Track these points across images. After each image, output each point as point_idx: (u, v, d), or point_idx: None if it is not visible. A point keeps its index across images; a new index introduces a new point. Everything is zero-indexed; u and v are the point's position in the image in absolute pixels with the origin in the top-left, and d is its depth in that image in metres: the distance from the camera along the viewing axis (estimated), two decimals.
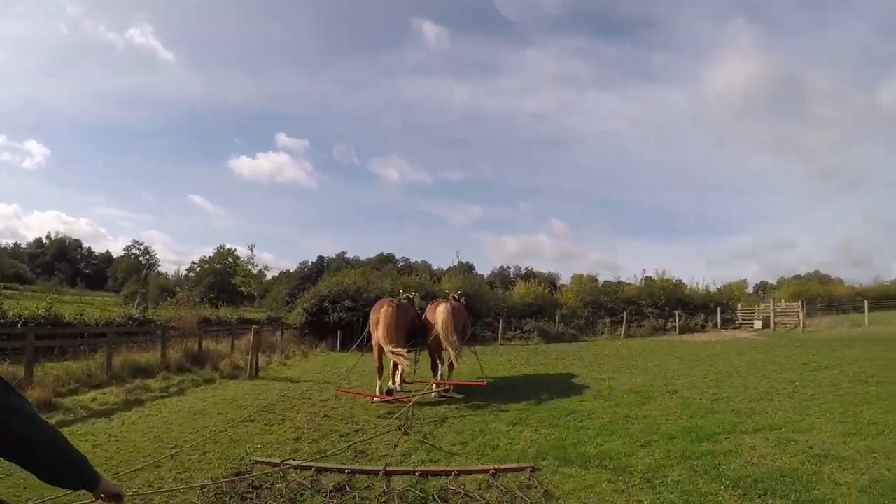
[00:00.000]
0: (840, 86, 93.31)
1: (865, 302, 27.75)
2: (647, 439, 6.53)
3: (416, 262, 26.71)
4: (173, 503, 5.07)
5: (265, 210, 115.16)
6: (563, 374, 12.73)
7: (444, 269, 31.37)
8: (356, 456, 6.56)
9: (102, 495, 1.86)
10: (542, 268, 34.07)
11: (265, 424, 8.17)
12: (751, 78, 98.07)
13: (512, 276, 35.97)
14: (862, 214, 79.33)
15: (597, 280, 35.00)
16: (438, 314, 10.70)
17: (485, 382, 10.92)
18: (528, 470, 5.85)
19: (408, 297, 12.09)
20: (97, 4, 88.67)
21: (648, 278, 32.54)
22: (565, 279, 32.95)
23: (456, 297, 12.85)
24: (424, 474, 5.73)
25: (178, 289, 33.42)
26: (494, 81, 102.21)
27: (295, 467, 5.89)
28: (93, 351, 13.05)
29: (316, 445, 7.13)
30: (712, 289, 33.56)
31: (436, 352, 10.96)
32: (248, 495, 5.18)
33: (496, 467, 5.89)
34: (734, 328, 28.23)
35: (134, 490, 5.28)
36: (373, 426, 8.10)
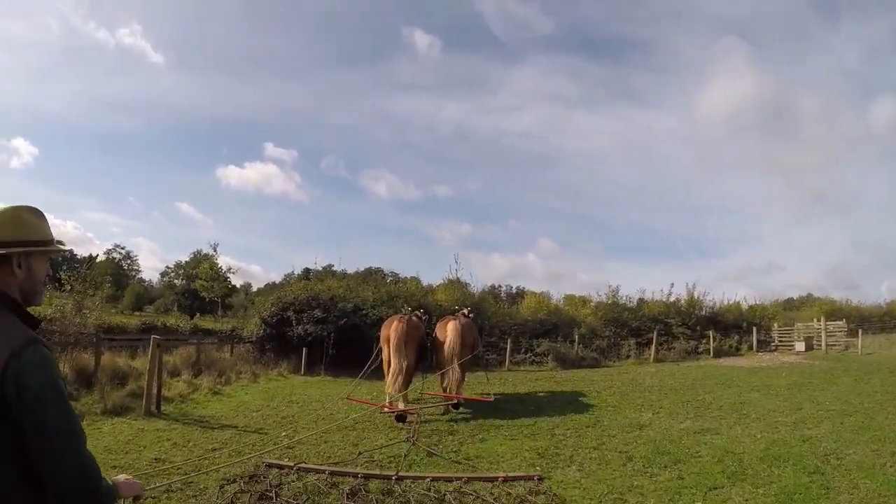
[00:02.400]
0: (829, 108, 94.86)
1: None
2: None
3: (406, 276, 28.40)
4: None
5: (252, 221, 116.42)
6: (625, 423, 9.91)
7: (436, 284, 29.27)
8: (365, 464, 6.92)
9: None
10: (533, 287, 29.51)
11: None
12: (739, 100, 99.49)
13: (504, 295, 33.46)
14: (850, 238, 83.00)
15: (617, 295, 30.32)
16: (448, 332, 11.55)
17: (492, 398, 11.43)
18: (536, 478, 6.17)
19: (417, 315, 12.94)
20: (88, 2, 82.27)
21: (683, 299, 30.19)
22: (556, 299, 32.47)
23: (466, 312, 13.33)
24: (436, 480, 6.08)
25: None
26: (484, 99, 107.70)
27: (309, 471, 6.17)
28: None
29: (326, 452, 7.61)
30: (744, 305, 31.05)
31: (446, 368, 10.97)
32: (267, 493, 5.46)
33: (505, 475, 6.27)
34: (771, 350, 26.91)
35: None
36: (380, 438, 8.52)
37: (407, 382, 10.67)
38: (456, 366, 10.94)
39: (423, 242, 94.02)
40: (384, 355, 11.01)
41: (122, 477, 1.91)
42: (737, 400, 11.59)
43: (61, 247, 1.98)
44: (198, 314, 53.30)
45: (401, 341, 10.76)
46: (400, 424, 9.34)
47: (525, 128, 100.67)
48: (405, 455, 7.15)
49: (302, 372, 18.58)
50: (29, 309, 1.84)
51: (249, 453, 7.16)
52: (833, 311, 31.42)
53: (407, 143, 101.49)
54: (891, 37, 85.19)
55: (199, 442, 8.13)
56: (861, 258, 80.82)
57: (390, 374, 10.62)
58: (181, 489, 5.59)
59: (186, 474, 6.00)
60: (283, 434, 8.37)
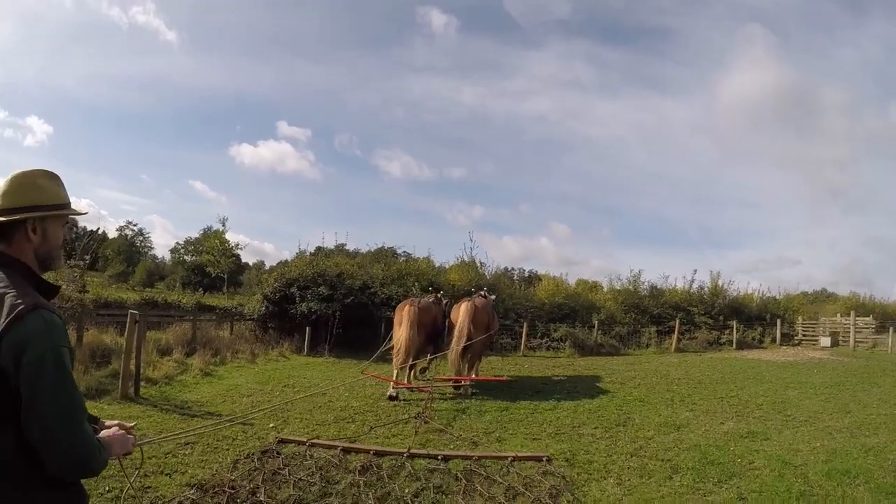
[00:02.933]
0: (852, 103, 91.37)
1: None
2: None
3: (418, 256, 27.60)
4: (204, 477, 5.38)
5: (266, 199, 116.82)
6: (660, 423, 9.01)
7: (449, 264, 27.24)
8: (377, 440, 7.07)
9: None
10: (546, 271, 33.40)
11: None
12: (759, 91, 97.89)
13: (516, 278, 33.12)
14: (866, 235, 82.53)
15: (639, 281, 29.16)
16: (460, 314, 11.63)
17: (506, 378, 11.89)
18: (545, 459, 6.30)
19: (436, 297, 13.29)
20: None
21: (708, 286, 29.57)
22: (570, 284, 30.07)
23: (485, 293, 13.75)
24: (446, 458, 6.22)
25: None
26: (500, 83, 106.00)
27: (321, 446, 6.35)
28: None
29: (339, 430, 7.69)
30: (768, 296, 30.78)
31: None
32: (280, 471, 5.58)
33: (515, 454, 6.40)
34: (794, 345, 26.43)
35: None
36: (392, 415, 8.73)
37: (408, 359, 10.97)
38: (458, 348, 11.12)
39: (436, 223, 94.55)
40: (395, 338, 11.22)
41: (112, 430, 1.92)
42: (776, 398, 11.02)
43: (77, 210, 1.99)
44: (203, 291, 52.39)
45: (412, 324, 11.05)
46: (399, 403, 9.90)
47: (541, 112, 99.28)
48: (416, 432, 7.38)
49: (305, 352, 17.88)
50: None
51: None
52: (857, 308, 30.57)
53: (421, 124, 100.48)
54: None
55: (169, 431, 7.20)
56: (875, 256, 77.44)
57: (395, 353, 11.02)
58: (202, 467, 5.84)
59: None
60: (272, 426, 7.84)
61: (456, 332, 11.24)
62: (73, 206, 1.94)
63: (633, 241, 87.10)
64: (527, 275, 26.29)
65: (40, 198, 1.81)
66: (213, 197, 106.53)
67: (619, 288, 27.23)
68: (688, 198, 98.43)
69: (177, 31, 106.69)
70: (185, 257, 68.17)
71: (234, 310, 22.76)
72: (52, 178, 1.90)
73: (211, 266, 40.86)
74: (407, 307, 11.33)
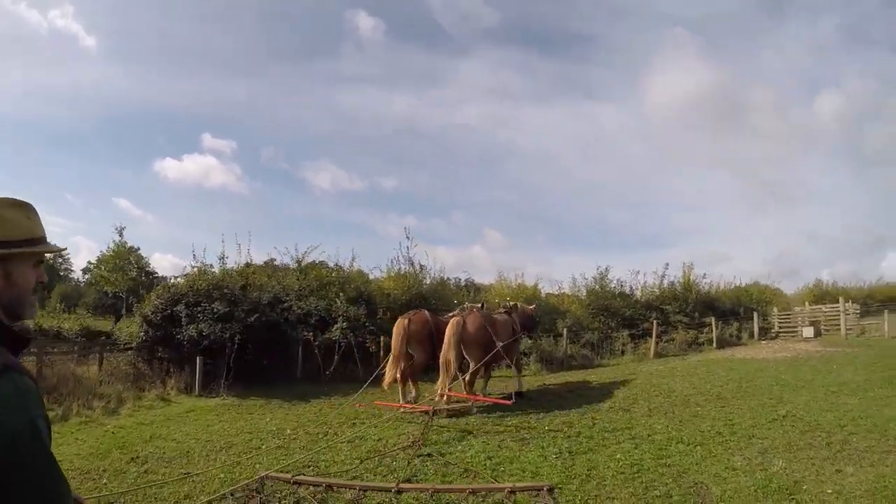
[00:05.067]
0: (777, 101, 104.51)
1: None
2: None
3: (350, 268, 22.50)
4: None
5: (194, 216, 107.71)
6: (757, 487, 6.63)
7: (383, 269, 22.89)
8: (367, 473, 6.99)
9: None
10: (482, 280, 31.97)
11: None
12: (688, 94, 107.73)
13: (453, 287, 27.73)
14: (793, 227, 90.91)
15: (606, 279, 26.41)
16: (448, 329, 11.87)
17: (511, 401, 11.40)
18: (546, 489, 6.21)
19: (475, 308, 13.20)
20: None
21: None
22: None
23: (511, 303, 14.64)
24: (437, 492, 6.25)
25: None
26: (430, 92, 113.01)
27: (305, 483, 6.28)
28: None
29: (329, 460, 7.68)
30: (750, 289, 29.82)
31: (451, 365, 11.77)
32: None
33: (513, 486, 6.33)
34: (772, 338, 25.58)
35: None
36: (387, 444, 8.65)
37: (402, 377, 12.02)
38: (449, 367, 11.37)
39: (368, 235, 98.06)
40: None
41: None
42: (845, 412, 9.66)
43: (51, 246, 1.73)
44: (116, 317, 46.35)
45: (401, 340, 11.96)
46: (408, 431, 9.68)
47: (472, 121, 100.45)
48: (408, 463, 7.32)
49: (196, 391, 14.81)
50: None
51: None
52: (822, 295, 32.26)
53: (351, 135, 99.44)
54: (835, 35, 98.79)
55: None
56: (802, 247, 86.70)
57: (387, 370, 12.01)
58: None
59: None
60: None
61: (443, 350, 11.65)
62: (47, 241, 1.68)
63: (568, 247, 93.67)
64: (463, 283, 22.52)
65: (3, 232, 1.56)
66: (139, 215, 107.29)
67: (584, 288, 25.88)
68: (621, 201, 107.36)
69: (96, 37, 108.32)
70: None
71: (105, 338, 17.67)
72: (21, 207, 1.64)
73: (106, 284, 35.19)
74: (399, 320, 12.35)
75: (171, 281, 19.71)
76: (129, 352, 16.79)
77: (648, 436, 8.98)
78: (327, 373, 16.91)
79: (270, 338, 16.94)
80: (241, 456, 8.42)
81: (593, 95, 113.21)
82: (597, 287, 25.77)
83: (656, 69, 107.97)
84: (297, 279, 19.72)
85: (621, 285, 26.41)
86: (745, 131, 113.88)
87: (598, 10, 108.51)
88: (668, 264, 26.96)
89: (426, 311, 13.47)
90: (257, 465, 7.79)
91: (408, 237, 22.80)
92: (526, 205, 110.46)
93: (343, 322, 17.89)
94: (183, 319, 16.09)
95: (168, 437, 9.94)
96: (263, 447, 8.96)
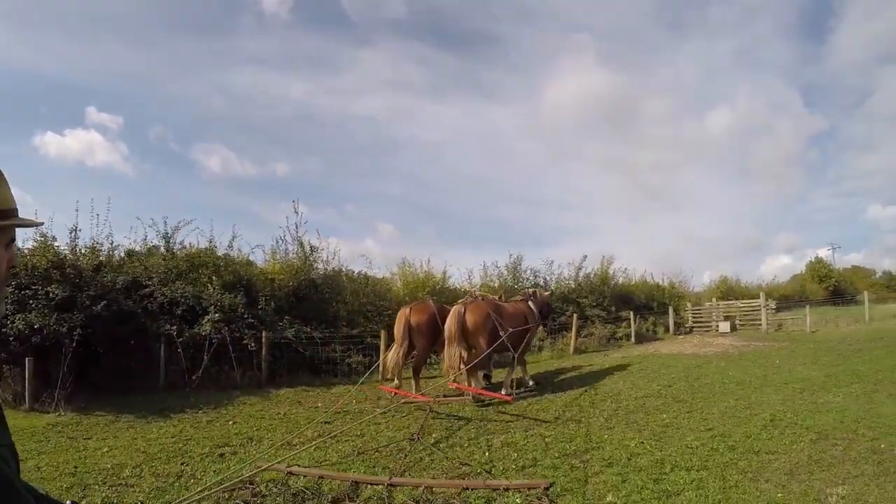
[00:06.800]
0: (671, 113, 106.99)
1: (866, 293, 30.18)
2: None
3: (229, 249, 17.90)
4: None
5: (78, 198, 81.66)
6: None
7: (267, 252, 19.03)
8: (364, 465, 6.72)
9: None
10: (378, 273, 24.17)
11: None
12: (586, 98, 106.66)
13: (344, 279, 21.19)
14: (677, 231, 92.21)
15: (520, 269, 24.66)
16: (448, 319, 12.03)
17: (512, 398, 11.40)
18: (543, 487, 6.20)
19: (479, 296, 13.51)
20: None
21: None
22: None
23: (533, 290, 14.59)
24: (430, 488, 6.11)
25: None
26: (330, 79, 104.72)
27: (298, 473, 6.21)
28: None
29: (329, 450, 7.55)
30: (662, 282, 30.04)
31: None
32: (252, 501, 5.60)
33: (508, 483, 6.33)
34: (686, 333, 25.85)
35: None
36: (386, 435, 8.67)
37: (414, 371, 12.72)
38: (451, 354, 11.65)
39: (256, 225, 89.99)
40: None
41: None
42: (834, 418, 8.72)
43: (24, 220, 1.34)
44: None
45: (403, 330, 12.44)
46: (398, 418, 10.24)
47: (370, 112, 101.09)
48: (405, 456, 7.18)
49: (26, 404, 11.55)
50: None
51: None
52: (728, 291, 33.82)
53: (245, 117, 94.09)
54: (729, 57, 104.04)
55: None
56: (684, 250, 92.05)
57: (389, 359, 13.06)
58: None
59: None
60: None
61: (446, 339, 11.96)
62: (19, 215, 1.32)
63: (459, 242, 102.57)
64: (356, 275, 20.22)
65: None
66: (17, 195, 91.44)
67: (497, 278, 24.22)
68: (515, 199, 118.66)
69: None
70: None
71: None
72: None
73: None
74: (400, 311, 13.01)
75: None
76: None
77: (628, 459, 7.55)
78: (194, 377, 13.88)
79: (125, 333, 13.75)
80: None
81: (492, 94, 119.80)
82: (509, 277, 24.73)
83: (556, 72, 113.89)
84: (164, 259, 16.42)
85: (535, 275, 25.94)
86: (637, 139, 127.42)
87: (505, 11, 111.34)
88: (585, 256, 27.30)
89: (430, 301, 14.07)
90: None
91: (296, 211, 19.06)
92: (418, 198, 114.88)
93: (216, 313, 14.76)
94: (8, 307, 12.32)
95: None
96: None
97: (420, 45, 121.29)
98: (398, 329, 12.85)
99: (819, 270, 57.19)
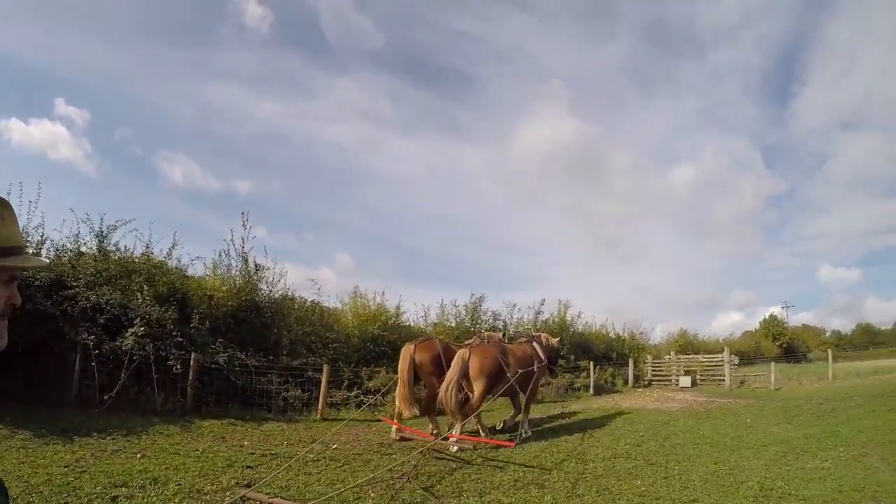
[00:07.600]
0: (634, 167, 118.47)
1: (830, 351, 30.01)
2: None
3: (167, 258, 15.77)
4: None
5: (35, 192, 78.50)
6: None
7: (208, 271, 16.75)
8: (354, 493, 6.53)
9: None
10: (328, 303, 22.16)
11: None
12: (554, 145, 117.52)
13: (291, 305, 19.07)
14: (632, 282, 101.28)
15: (479, 309, 23.45)
16: (453, 362, 11.66)
17: (514, 443, 11.13)
18: None
19: (491, 335, 13.47)
20: None
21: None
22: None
23: (538, 334, 14.05)
24: None
25: None
26: (302, 103, 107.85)
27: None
28: None
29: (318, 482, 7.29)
30: (622, 333, 30.19)
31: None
32: None
33: None
34: (645, 385, 25.65)
35: None
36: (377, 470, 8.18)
37: (427, 411, 12.67)
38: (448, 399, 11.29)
39: (213, 242, 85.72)
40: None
41: None
42: (831, 487, 7.82)
43: (30, 260, 1.31)
44: None
45: (408, 369, 12.09)
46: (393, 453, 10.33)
47: (339, 140, 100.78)
48: (392, 496, 6.67)
49: None
50: None
51: None
52: (687, 345, 33.31)
53: (213, 130, 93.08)
54: (695, 116, 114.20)
55: None
56: (638, 301, 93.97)
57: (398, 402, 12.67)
58: None
59: None
60: None
61: (445, 382, 11.63)
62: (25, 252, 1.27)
63: (417, 279, 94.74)
64: (308, 304, 18.80)
65: None
66: None
67: (454, 318, 23.26)
68: (476, 241, 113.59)
69: None
70: None
71: None
72: None
73: None
74: (405, 346, 12.44)
75: None
76: None
77: None
78: (107, 397, 11.86)
79: (39, 336, 12.09)
80: None
81: (461, 133, 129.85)
82: (468, 318, 23.45)
83: (528, 117, 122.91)
84: (95, 260, 14.34)
85: (495, 318, 24.90)
86: (601, 190, 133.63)
87: (482, 53, 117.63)
88: (544, 300, 26.83)
89: (435, 339, 14.01)
90: None
91: (244, 225, 17.06)
92: (379, 231, 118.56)
93: (141, 326, 12.86)
94: None
95: None
96: None
97: (395, 78, 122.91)
98: (402, 366, 12.45)
99: (773, 328, 59.44)
